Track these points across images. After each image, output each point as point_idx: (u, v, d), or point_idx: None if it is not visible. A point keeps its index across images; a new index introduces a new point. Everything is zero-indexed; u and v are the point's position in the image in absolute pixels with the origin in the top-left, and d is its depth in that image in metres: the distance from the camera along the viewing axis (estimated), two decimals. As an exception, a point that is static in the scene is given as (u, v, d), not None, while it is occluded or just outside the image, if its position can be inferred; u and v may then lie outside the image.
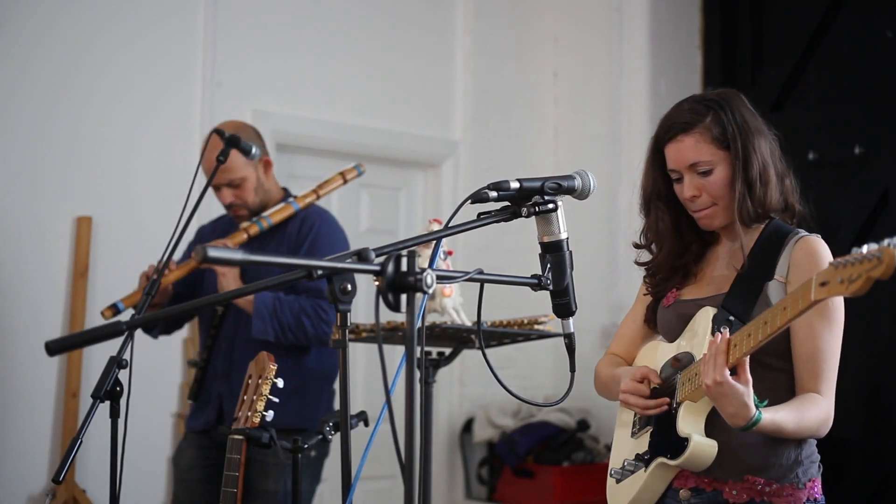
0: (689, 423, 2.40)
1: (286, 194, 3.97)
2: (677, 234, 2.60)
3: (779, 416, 2.31)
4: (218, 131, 3.64)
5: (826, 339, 2.40)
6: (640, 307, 2.73)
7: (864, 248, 1.91)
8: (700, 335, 2.45)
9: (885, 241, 1.88)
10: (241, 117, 5.24)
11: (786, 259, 2.45)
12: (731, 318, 2.41)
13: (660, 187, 2.59)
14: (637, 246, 2.69)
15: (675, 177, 2.54)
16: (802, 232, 2.50)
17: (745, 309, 2.42)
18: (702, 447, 2.37)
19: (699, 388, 2.32)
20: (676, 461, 2.39)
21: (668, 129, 2.52)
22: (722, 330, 2.36)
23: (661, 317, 2.64)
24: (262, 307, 3.71)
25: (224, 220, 4.08)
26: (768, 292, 2.43)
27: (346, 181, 3.99)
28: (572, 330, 2.15)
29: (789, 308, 2.10)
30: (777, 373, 2.43)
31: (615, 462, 2.63)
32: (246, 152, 3.66)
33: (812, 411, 2.37)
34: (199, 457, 3.83)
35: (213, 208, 4.41)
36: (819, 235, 2.50)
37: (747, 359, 2.24)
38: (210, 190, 3.71)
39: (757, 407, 2.25)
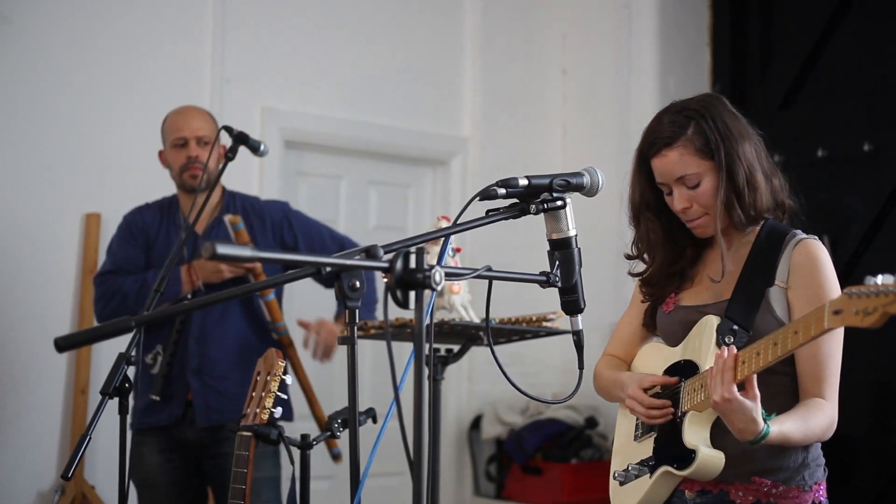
0: (695, 433, 2.40)
1: (224, 192, 4.02)
2: (670, 241, 2.59)
3: (786, 427, 2.31)
4: (227, 128, 3.67)
5: (828, 343, 2.39)
6: (636, 309, 2.72)
7: (879, 279, 1.90)
8: (704, 345, 2.45)
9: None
10: (250, 114, 5.27)
11: (785, 263, 2.45)
12: (735, 326, 2.41)
13: (648, 198, 2.58)
14: (629, 257, 2.67)
15: (665, 190, 2.53)
16: (800, 234, 2.49)
17: (748, 316, 2.42)
18: (709, 459, 2.37)
19: (705, 400, 2.32)
20: (683, 472, 2.40)
21: (652, 144, 2.51)
22: (727, 341, 2.37)
23: (662, 322, 2.63)
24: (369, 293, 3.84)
25: (154, 208, 4.02)
26: (770, 298, 2.43)
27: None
28: (581, 327, 2.15)
29: (801, 333, 2.09)
30: (780, 376, 2.43)
31: (618, 464, 2.64)
32: (254, 149, 3.68)
33: (817, 418, 2.37)
34: (162, 462, 3.82)
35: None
36: (816, 237, 2.50)
37: (755, 375, 2.23)
38: (215, 185, 3.74)
39: (765, 420, 2.25)
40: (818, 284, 2.41)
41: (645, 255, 2.64)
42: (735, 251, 2.52)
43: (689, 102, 2.53)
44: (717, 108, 2.50)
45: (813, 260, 2.43)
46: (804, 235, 2.49)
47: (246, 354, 3.79)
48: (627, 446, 2.63)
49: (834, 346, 2.41)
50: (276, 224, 3.95)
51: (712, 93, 2.61)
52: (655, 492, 2.49)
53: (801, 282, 2.42)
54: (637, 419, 2.59)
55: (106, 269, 3.93)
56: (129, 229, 3.96)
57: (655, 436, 2.52)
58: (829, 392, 2.41)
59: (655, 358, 2.61)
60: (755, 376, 2.23)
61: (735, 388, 2.23)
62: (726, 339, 2.39)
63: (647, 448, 2.54)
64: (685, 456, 2.39)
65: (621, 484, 2.59)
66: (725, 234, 2.52)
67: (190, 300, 3.66)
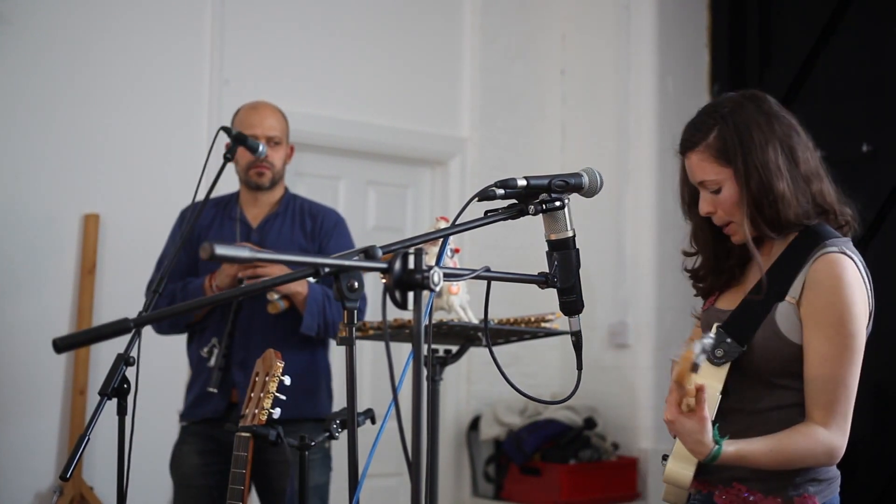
0: (675, 444, 2.40)
1: (286, 191, 4.02)
2: (715, 239, 2.53)
3: (746, 449, 2.28)
4: (225, 128, 3.66)
5: (833, 366, 2.30)
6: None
7: (697, 344, 2.07)
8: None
9: (696, 345, 2.05)
10: (249, 115, 5.26)
11: (802, 278, 2.35)
12: (729, 339, 2.37)
13: (692, 195, 2.54)
14: (686, 254, 2.63)
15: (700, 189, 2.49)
16: (830, 246, 2.35)
17: (748, 331, 2.36)
18: (670, 473, 2.39)
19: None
20: (663, 477, 2.43)
21: (681, 145, 2.48)
22: (717, 354, 2.37)
23: (701, 320, 2.60)
24: (313, 304, 3.73)
25: (210, 204, 3.96)
26: (776, 315, 2.35)
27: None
28: (579, 328, 2.15)
29: (676, 368, 2.19)
30: (793, 392, 2.36)
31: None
32: (253, 150, 3.68)
33: (797, 444, 2.29)
34: (202, 463, 3.81)
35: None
36: (847, 252, 2.35)
37: (704, 396, 2.21)
38: (215, 185, 3.72)
39: (717, 442, 2.24)
40: (828, 304, 2.30)
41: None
42: (771, 259, 2.44)
43: (721, 103, 2.46)
44: (748, 111, 2.43)
45: (830, 277, 2.31)
46: (833, 249, 2.34)
47: (291, 347, 3.77)
48: None
49: (839, 369, 2.31)
50: (325, 230, 3.93)
51: (753, 91, 2.53)
52: (669, 487, 2.50)
53: (811, 299, 2.32)
54: None
55: (155, 279, 3.95)
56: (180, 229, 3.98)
57: None
58: (831, 419, 2.30)
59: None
60: (704, 399, 2.20)
61: (677, 410, 2.23)
62: (716, 352, 2.36)
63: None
64: None
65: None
66: (761, 241, 2.45)
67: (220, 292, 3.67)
